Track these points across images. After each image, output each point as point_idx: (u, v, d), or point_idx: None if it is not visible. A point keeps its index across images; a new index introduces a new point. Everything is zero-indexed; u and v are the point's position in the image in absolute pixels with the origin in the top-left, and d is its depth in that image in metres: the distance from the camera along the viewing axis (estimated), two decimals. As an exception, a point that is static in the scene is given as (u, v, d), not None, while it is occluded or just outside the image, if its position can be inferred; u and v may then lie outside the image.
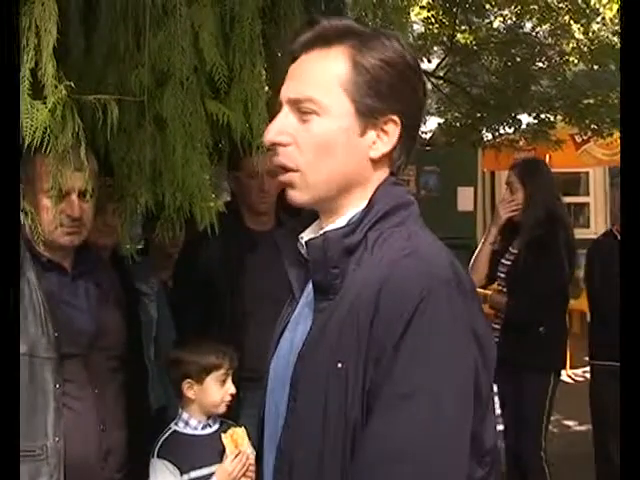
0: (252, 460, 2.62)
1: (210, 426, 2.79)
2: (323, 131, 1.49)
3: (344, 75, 1.49)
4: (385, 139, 1.52)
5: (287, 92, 1.53)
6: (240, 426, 2.76)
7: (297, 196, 1.53)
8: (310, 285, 1.56)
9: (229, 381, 2.79)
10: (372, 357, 1.37)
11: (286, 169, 1.52)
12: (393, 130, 1.52)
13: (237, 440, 2.71)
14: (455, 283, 1.42)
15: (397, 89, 1.51)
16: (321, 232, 1.52)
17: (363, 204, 1.52)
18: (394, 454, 1.34)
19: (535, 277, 4.16)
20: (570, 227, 4.57)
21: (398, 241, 1.46)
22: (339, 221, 1.53)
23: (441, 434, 1.35)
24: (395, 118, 1.51)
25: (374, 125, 1.51)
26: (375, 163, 1.53)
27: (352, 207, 1.53)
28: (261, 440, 1.66)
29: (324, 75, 1.50)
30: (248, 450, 2.67)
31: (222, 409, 2.78)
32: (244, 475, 2.67)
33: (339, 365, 1.40)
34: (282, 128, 1.52)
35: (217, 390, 2.76)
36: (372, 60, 1.49)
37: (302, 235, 1.58)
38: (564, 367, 4.40)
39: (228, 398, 2.77)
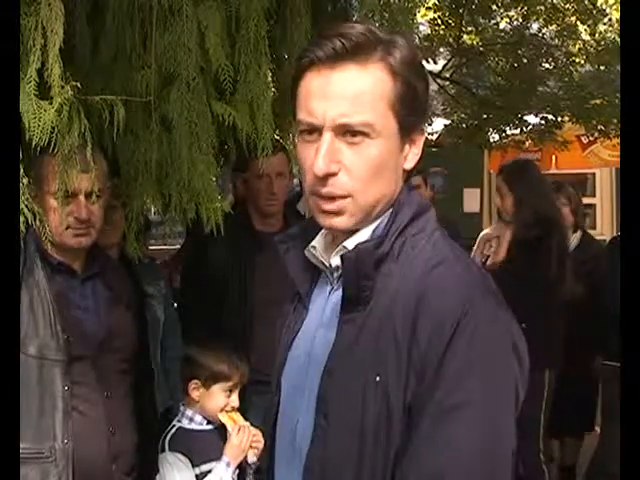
0: (254, 431, 2.67)
1: (215, 422, 2.79)
2: (376, 154, 1.44)
3: (389, 91, 1.44)
4: (414, 149, 1.51)
5: (331, 115, 1.42)
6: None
7: (344, 222, 1.47)
8: (322, 293, 1.55)
9: (235, 394, 2.78)
10: (414, 370, 1.35)
11: (335, 197, 1.45)
12: (419, 139, 1.51)
13: (233, 417, 2.75)
14: (491, 292, 1.43)
15: (422, 93, 1.49)
16: (345, 245, 1.48)
17: (386, 213, 1.50)
18: (443, 470, 1.32)
19: (519, 277, 4.09)
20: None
21: (425, 249, 1.45)
22: (363, 232, 1.49)
23: (492, 448, 1.34)
24: (423, 127, 1.52)
25: (408, 138, 1.49)
26: (403, 173, 1.52)
27: (375, 217, 1.50)
28: (270, 450, 1.62)
29: (371, 95, 1.43)
30: (246, 424, 2.72)
31: (220, 416, 2.77)
32: (251, 447, 2.69)
33: (377, 378, 1.37)
34: (332, 156, 1.42)
35: (221, 399, 2.76)
36: (404, 66, 1.45)
37: (313, 244, 1.56)
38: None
39: (229, 409, 2.77)
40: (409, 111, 1.46)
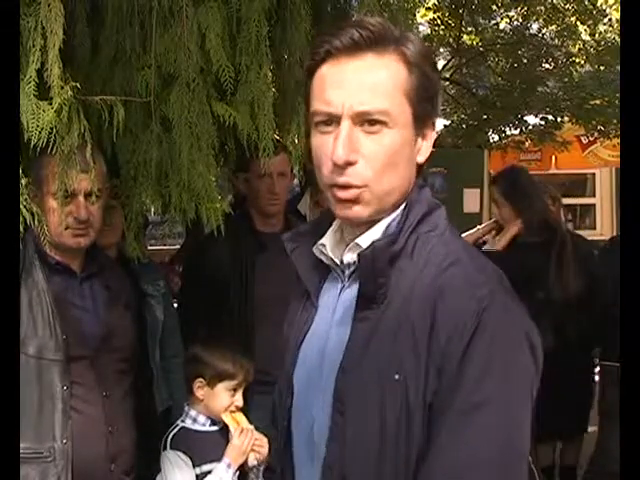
0: (257, 435, 2.68)
1: (218, 423, 2.79)
2: (393, 143, 1.44)
3: (404, 81, 1.44)
4: (426, 143, 1.51)
5: (349, 103, 1.42)
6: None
7: (361, 211, 1.46)
8: (332, 291, 1.55)
9: (239, 393, 2.78)
10: (434, 368, 1.35)
11: (352, 186, 1.45)
12: (431, 133, 1.52)
13: (237, 418, 2.75)
14: (506, 290, 1.43)
15: (435, 85, 1.50)
16: (358, 243, 1.48)
17: (397, 209, 1.50)
18: (468, 465, 1.32)
19: (510, 268, 4.02)
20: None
21: (437, 247, 1.45)
22: (375, 229, 1.49)
23: (513, 443, 1.35)
24: (434, 121, 1.52)
25: (420, 130, 1.49)
26: (416, 168, 1.52)
27: (387, 214, 1.50)
28: (285, 450, 1.61)
29: (389, 85, 1.43)
30: (250, 427, 2.71)
31: (223, 416, 2.77)
32: (252, 450, 2.69)
33: (396, 376, 1.37)
34: (351, 145, 1.42)
35: (226, 398, 2.75)
36: (418, 57, 1.46)
37: (322, 241, 1.55)
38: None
39: (233, 409, 2.77)
40: (423, 102, 1.47)
